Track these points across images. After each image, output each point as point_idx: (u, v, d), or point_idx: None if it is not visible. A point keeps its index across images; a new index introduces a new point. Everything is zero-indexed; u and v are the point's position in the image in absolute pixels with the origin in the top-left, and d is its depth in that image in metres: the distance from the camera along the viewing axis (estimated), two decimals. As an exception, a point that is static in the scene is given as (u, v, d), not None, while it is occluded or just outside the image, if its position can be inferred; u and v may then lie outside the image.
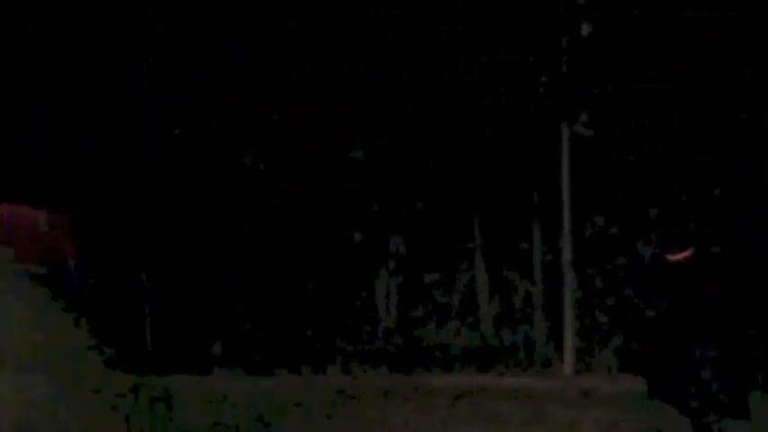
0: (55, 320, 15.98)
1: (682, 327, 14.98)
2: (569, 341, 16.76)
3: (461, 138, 17.66)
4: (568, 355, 16.83)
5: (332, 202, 17.51)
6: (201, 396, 15.55)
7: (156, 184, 17.84)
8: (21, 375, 15.46)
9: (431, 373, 16.37)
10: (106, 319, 17.27)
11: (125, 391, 15.93)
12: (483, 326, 17.79)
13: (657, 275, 14.20)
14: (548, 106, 17.40)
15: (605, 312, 17.26)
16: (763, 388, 13.90)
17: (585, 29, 16.68)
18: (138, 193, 17.76)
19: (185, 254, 17.43)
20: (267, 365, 16.91)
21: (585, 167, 17.60)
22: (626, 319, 16.69)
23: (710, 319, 14.76)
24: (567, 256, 17.23)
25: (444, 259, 18.06)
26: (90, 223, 17.70)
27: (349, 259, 17.69)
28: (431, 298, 17.97)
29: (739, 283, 14.49)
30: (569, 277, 17.09)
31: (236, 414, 15.00)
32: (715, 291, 14.65)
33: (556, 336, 17.20)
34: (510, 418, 15.25)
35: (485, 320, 17.82)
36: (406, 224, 17.89)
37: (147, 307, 17.63)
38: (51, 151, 17.85)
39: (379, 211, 17.74)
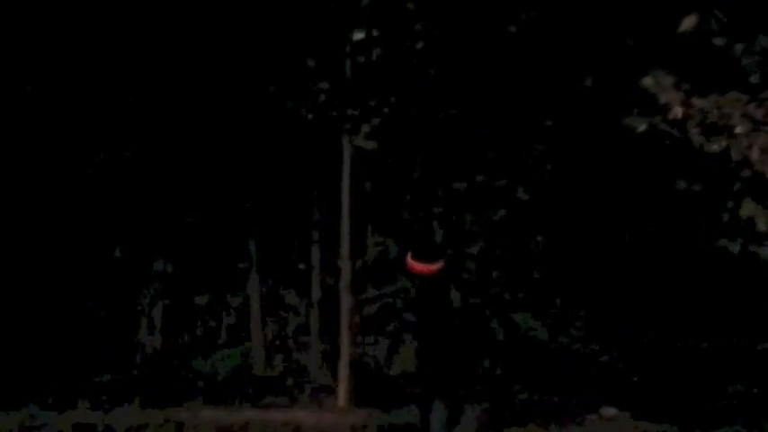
0: None
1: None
2: (344, 371, 15.44)
3: (237, 148, 16.27)
4: (343, 386, 15.52)
5: (89, 215, 15.92)
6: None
7: None
8: None
9: (189, 407, 14.87)
10: None
11: None
12: (254, 353, 16.39)
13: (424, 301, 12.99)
14: (329, 116, 16.14)
15: (385, 338, 16.09)
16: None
17: (357, 34, 15.51)
18: None
19: None
20: (17, 398, 15.22)
21: (369, 183, 16.41)
22: (405, 347, 15.56)
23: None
24: (345, 278, 15.93)
25: (216, 280, 16.66)
26: None
27: (109, 279, 16.10)
28: (200, 322, 16.53)
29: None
30: (347, 302, 15.80)
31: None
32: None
33: (332, 364, 15.90)
34: (272, 458, 13.93)
35: (257, 347, 16.42)
36: (175, 241, 16.40)
37: None
38: None
39: (144, 226, 16.21)
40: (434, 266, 11.65)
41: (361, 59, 16.06)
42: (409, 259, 11.76)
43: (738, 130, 9.78)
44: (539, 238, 15.22)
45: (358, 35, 16.13)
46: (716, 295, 13.40)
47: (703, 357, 13.61)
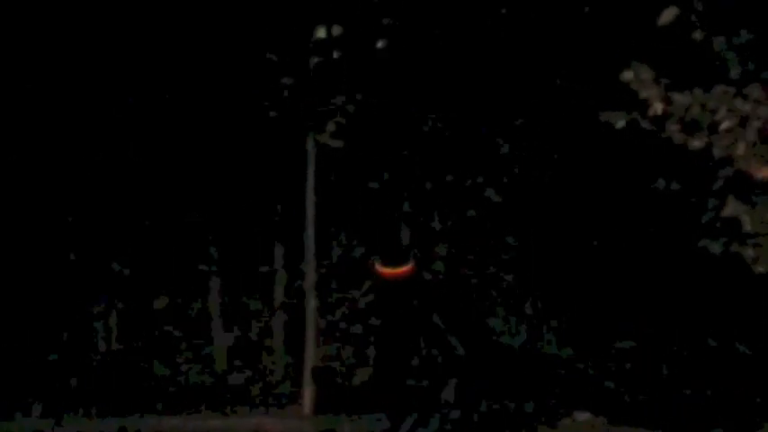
0: None
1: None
2: (309, 376, 14.95)
3: (196, 146, 15.73)
4: (308, 393, 15.03)
5: (43, 215, 15.35)
6: None
7: None
8: None
9: (148, 415, 14.36)
10: None
11: None
12: (217, 358, 15.86)
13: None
14: (292, 112, 15.64)
15: (351, 343, 15.61)
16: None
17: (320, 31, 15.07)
18: None
19: None
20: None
21: (334, 182, 15.93)
22: (374, 351, 15.08)
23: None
24: (310, 280, 15.45)
25: (175, 283, 16.10)
26: None
27: (63, 281, 15.52)
28: (159, 326, 15.98)
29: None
30: (312, 304, 15.32)
31: None
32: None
33: (297, 369, 15.41)
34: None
35: (219, 352, 15.89)
36: (132, 242, 15.83)
37: None
38: None
39: (100, 227, 15.64)
40: (401, 270, 11.23)
41: (324, 57, 15.65)
42: (375, 263, 11.32)
43: (725, 125, 9.39)
44: (510, 240, 14.79)
45: (320, 32, 15.69)
46: (696, 297, 13.03)
47: (681, 361, 13.24)
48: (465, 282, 14.95)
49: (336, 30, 15.69)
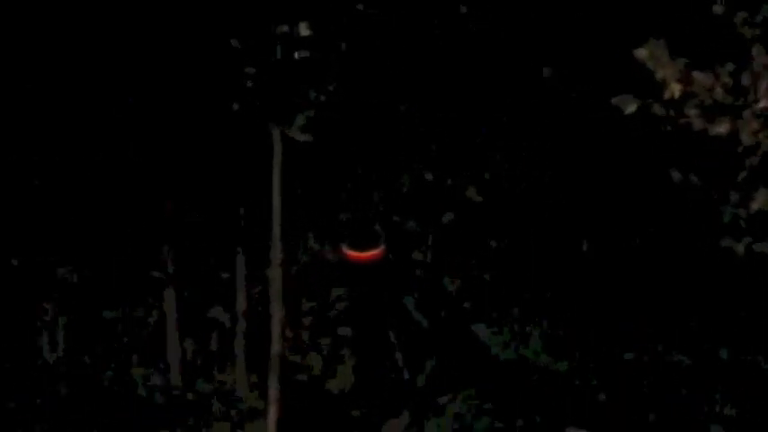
0: None
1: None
2: (275, 391, 13.75)
3: (149, 139, 14.51)
4: (273, 409, 13.81)
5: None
6: None
7: None
8: None
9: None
10: None
11: None
12: (172, 371, 14.61)
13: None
14: (257, 105, 14.48)
15: (320, 354, 14.44)
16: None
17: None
18: None
19: None
20: None
21: (303, 180, 14.80)
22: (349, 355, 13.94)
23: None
24: (275, 287, 14.22)
25: (127, 291, 14.86)
26: None
27: (4, 289, 14.26)
28: (110, 337, 14.72)
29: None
30: (277, 314, 14.10)
31: None
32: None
33: (261, 383, 14.19)
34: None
35: (174, 364, 14.63)
36: (80, 246, 14.58)
37: None
38: None
39: (44, 228, 14.39)
40: (371, 253, 10.10)
41: (292, 46, 14.56)
42: (344, 248, 10.15)
43: (762, 104, 8.33)
44: (499, 243, 13.66)
45: (282, 28, 14.62)
46: (708, 303, 11.97)
47: (689, 374, 12.17)
48: (447, 287, 13.85)
49: (306, 18, 14.62)
